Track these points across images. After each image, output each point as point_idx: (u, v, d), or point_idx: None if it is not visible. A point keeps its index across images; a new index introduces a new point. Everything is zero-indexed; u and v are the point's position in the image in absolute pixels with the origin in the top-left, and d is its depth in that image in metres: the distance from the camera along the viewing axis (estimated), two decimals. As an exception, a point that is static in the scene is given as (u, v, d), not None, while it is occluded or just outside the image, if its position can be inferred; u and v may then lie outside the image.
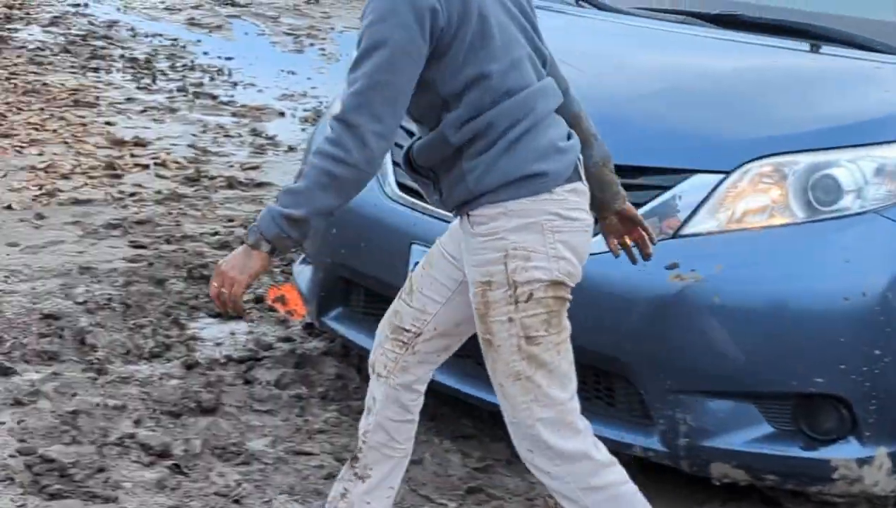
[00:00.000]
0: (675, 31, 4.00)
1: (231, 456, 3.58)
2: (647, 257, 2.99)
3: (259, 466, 3.53)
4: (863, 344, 3.13)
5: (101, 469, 3.43)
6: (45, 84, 8.40)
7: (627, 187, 3.19)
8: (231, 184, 6.35)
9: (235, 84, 9.11)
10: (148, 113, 7.89)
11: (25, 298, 4.63)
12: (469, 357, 3.46)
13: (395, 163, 3.80)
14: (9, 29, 10.42)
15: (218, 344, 4.41)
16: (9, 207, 5.72)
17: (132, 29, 11.05)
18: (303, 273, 4.23)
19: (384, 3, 2.53)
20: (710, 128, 3.42)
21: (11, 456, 3.47)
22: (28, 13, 11.26)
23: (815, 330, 3.15)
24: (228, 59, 10.08)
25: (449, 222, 3.44)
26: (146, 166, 6.62)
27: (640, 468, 3.21)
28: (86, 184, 6.18)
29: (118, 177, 6.38)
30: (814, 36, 3.81)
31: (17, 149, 6.76)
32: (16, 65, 8.97)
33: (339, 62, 10.20)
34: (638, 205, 3.28)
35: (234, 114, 8.11)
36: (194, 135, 7.45)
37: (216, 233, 5.53)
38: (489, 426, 3.81)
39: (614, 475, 2.73)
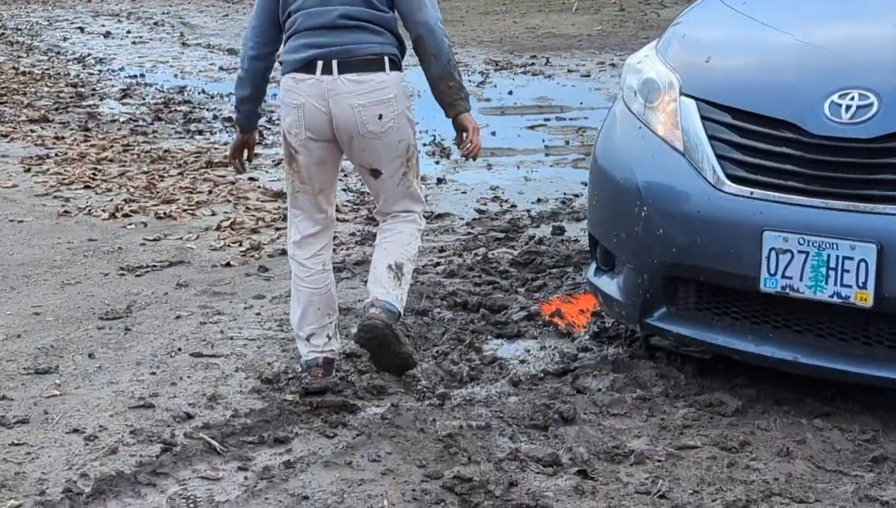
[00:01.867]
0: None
1: (621, 458, 3.63)
2: (465, 156, 4.22)
3: (657, 463, 3.58)
4: None
5: (512, 484, 3.46)
6: (165, 150, 8.44)
7: None
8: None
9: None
10: (280, 166, 7.93)
11: (311, 342, 4.64)
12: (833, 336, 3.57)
13: (719, 157, 3.87)
14: (88, 105, 10.46)
15: (522, 362, 4.45)
16: (228, 264, 5.75)
17: (203, 91, 11.12)
18: (609, 280, 4.28)
19: None
20: None
21: (424, 481, 3.50)
22: (94, 90, 11.31)
23: None
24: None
25: (794, 204, 3.55)
26: (322, 212, 6.65)
27: None
28: (280, 236, 6.21)
29: (302, 225, 6.41)
30: None
31: (188, 211, 6.78)
32: (124, 137, 9.00)
33: (420, 98, 10.28)
34: None
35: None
36: (340, 179, 7.49)
37: (440, 264, 5.59)
38: (850, 401, 3.88)
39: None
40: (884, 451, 3.56)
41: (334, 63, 4.03)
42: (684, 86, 4.10)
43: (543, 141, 8.47)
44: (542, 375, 4.29)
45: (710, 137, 3.93)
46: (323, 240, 4.35)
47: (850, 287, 3.59)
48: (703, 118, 3.98)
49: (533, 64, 11.50)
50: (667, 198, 3.98)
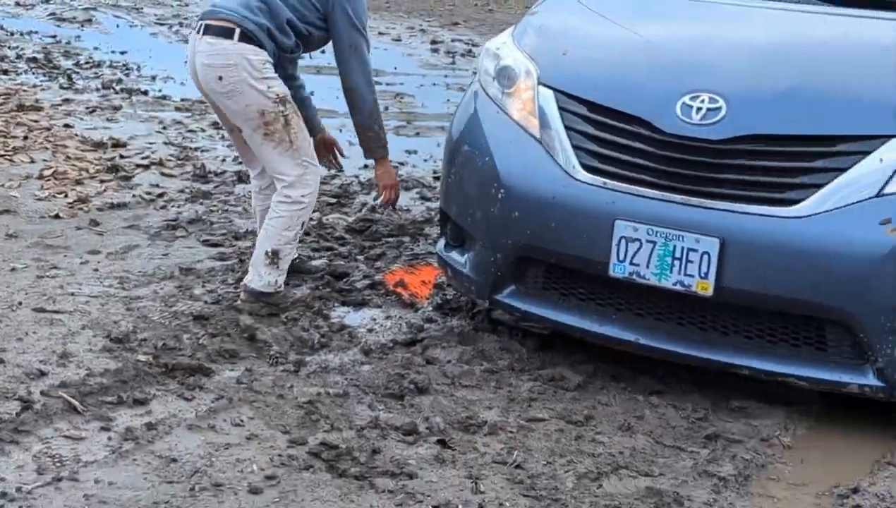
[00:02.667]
0: (795, 10, 4.39)
1: (476, 429, 3.82)
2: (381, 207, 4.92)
3: (510, 434, 3.79)
4: None
5: (375, 451, 3.62)
6: (-30, 89, 8.18)
7: (826, 155, 3.66)
8: (241, 177, 6.43)
9: (153, 78, 9.08)
10: (98, 113, 7.82)
11: (156, 302, 4.69)
12: (671, 321, 3.86)
13: (575, 147, 4.09)
14: None
15: (370, 331, 4.59)
16: (57, 216, 5.67)
17: (1, 27, 10.76)
18: (459, 256, 4.46)
19: None
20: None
21: (290, 447, 3.61)
22: None
23: None
24: (123, 53, 10.01)
25: (645, 196, 3.81)
26: (147, 166, 6.63)
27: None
28: (106, 189, 6.16)
29: (128, 178, 6.38)
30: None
31: (5, 157, 6.63)
32: (-75, 71, 8.66)
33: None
34: (841, 170, 3.72)
35: (178, 109, 8.12)
36: (159, 132, 7.47)
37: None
38: (681, 381, 4.18)
39: None
40: (715, 429, 3.87)
41: (202, 25, 4.53)
42: (542, 76, 4.29)
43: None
44: (391, 345, 4.45)
45: (567, 127, 4.15)
46: (265, 179, 4.85)
47: (693, 276, 3.87)
48: (561, 108, 4.19)
49: (342, 23, 11.53)
50: (523, 183, 4.18)
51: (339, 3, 4.61)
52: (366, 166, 6.88)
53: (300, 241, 4.94)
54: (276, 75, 4.57)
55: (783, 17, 4.35)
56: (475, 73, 4.71)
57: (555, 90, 4.23)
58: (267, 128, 4.54)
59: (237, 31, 4.49)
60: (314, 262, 5.11)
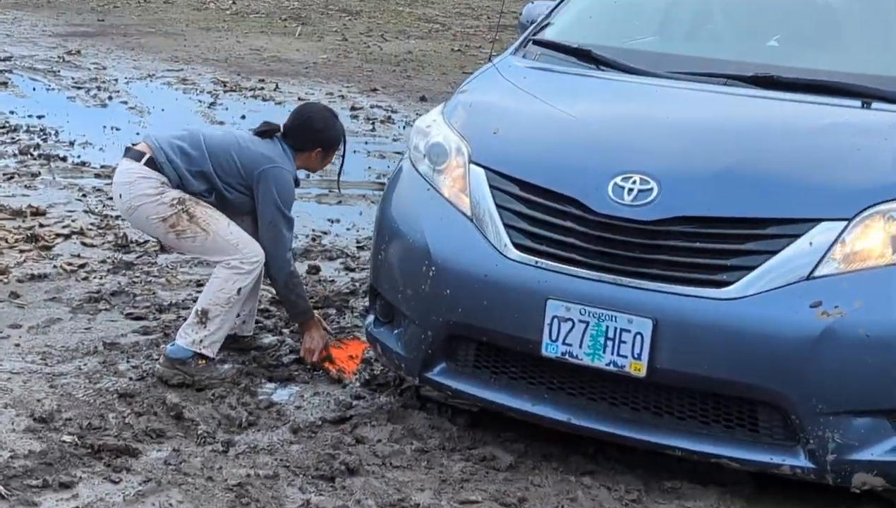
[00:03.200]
0: (724, 93, 4.46)
1: (409, 512, 3.78)
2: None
3: (443, 517, 3.76)
4: (980, 359, 3.71)
5: (309, 536, 3.56)
6: None
7: (757, 237, 3.71)
8: (164, 248, 6.35)
9: (72, 143, 8.96)
10: (15, 180, 7.70)
11: (80, 379, 4.60)
12: (604, 400, 3.87)
13: (507, 226, 4.10)
14: None
15: (299, 408, 4.54)
16: (-27, 287, 5.55)
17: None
18: (389, 333, 4.44)
19: None
20: (827, 181, 3.92)
21: (223, 533, 3.54)
22: None
23: (943, 351, 3.71)
24: (40, 117, 9.88)
25: (577, 276, 3.84)
26: (67, 235, 6.53)
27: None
28: (26, 259, 6.05)
29: (49, 248, 6.28)
30: (846, 92, 4.36)
31: (-82, 223, 6.49)
32: None
33: (150, 115, 10.18)
34: (772, 253, 3.77)
35: (98, 176, 8.02)
36: (79, 200, 7.37)
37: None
38: (613, 460, 4.18)
39: None
40: (648, 511, 3.87)
41: (125, 148, 4.90)
42: (474, 155, 4.30)
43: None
44: (320, 423, 4.40)
45: (499, 206, 4.15)
46: None
47: (626, 357, 3.88)
48: (492, 187, 4.19)
49: (262, 88, 11.52)
50: (455, 261, 4.17)
51: (264, 182, 4.71)
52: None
53: (258, 323, 4.91)
54: (169, 190, 4.68)
55: (713, 99, 4.41)
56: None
57: (486, 168, 4.24)
58: (175, 230, 4.67)
59: (147, 155, 4.71)
60: (265, 340, 5.07)
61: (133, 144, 4.88)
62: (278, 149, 4.78)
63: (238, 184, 4.72)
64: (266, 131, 4.84)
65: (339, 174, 5.21)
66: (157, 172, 4.69)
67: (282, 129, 4.88)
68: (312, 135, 4.87)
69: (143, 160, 4.70)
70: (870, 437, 3.78)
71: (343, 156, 5.10)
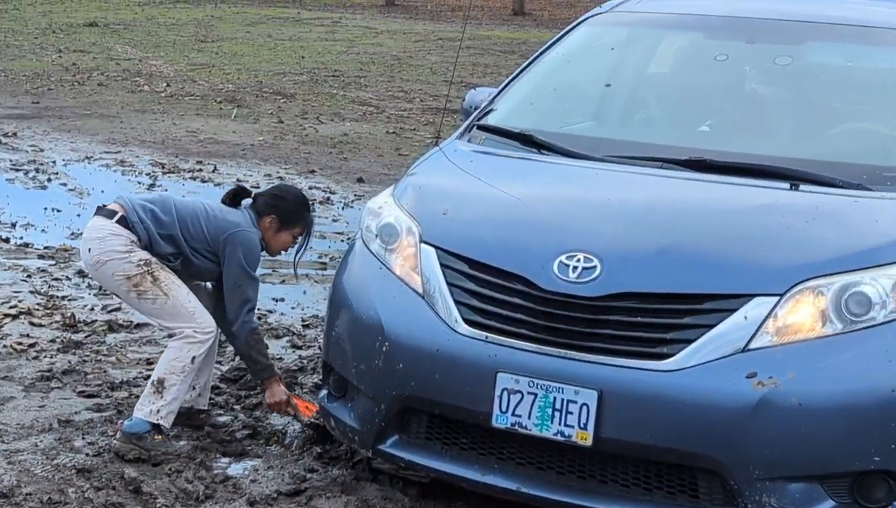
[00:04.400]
0: (660, 175, 4.70)
1: (366, 580, 3.91)
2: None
3: (401, 585, 3.89)
4: (907, 425, 3.94)
5: None
6: None
7: (695, 312, 3.94)
8: (112, 327, 6.46)
9: (13, 225, 9.03)
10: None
11: (37, 455, 4.68)
12: (552, 469, 4.04)
13: (457, 302, 4.29)
14: None
15: (254, 481, 4.65)
16: (-75, 367, 5.61)
17: None
18: (342, 407, 4.58)
19: None
20: (760, 258, 4.16)
21: None
22: None
23: (873, 418, 3.94)
24: (-23, 198, 9.92)
25: (525, 350, 4.02)
26: (15, 316, 6.60)
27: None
28: (-39, 336, 6.12)
29: (-4, 328, 6.34)
30: (774, 175, 4.62)
31: None
32: None
33: (90, 196, 10.26)
34: (710, 326, 3.99)
35: (41, 257, 8.10)
36: (24, 281, 7.43)
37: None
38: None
39: None
40: (596, 575, 4.02)
41: (97, 207, 5.05)
42: (424, 235, 4.50)
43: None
44: (275, 495, 4.52)
45: (449, 283, 4.34)
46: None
47: (573, 427, 4.06)
48: (442, 265, 4.39)
49: (200, 170, 11.65)
50: (407, 336, 4.34)
51: (231, 245, 4.91)
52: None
53: (210, 400, 5.04)
54: (138, 250, 4.85)
55: (650, 182, 4.65)
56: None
57: (436, 247, 4.43)
58: (137, 289, 4.81)
59: (119, 214, 4.88)
60: (220, 418, 5.19)
61: (104, 205, 5.01)
62: (245, 217, 4.96)
63: (205, 249, 4.88)
64: (236, 195, 5.04)
65: (297, 255, 5.33)
66: (129, 231, 4.84)
67: (252, 195, 5.06)
68: (274, 201, 5.05)
69: (116, 218, 4.85)
70: (804, 501, 3.99)
71: (304, 244, 5.23)
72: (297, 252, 5.28)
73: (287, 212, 5.10)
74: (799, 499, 3.98)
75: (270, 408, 5.05)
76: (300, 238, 5.21)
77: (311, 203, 5.33)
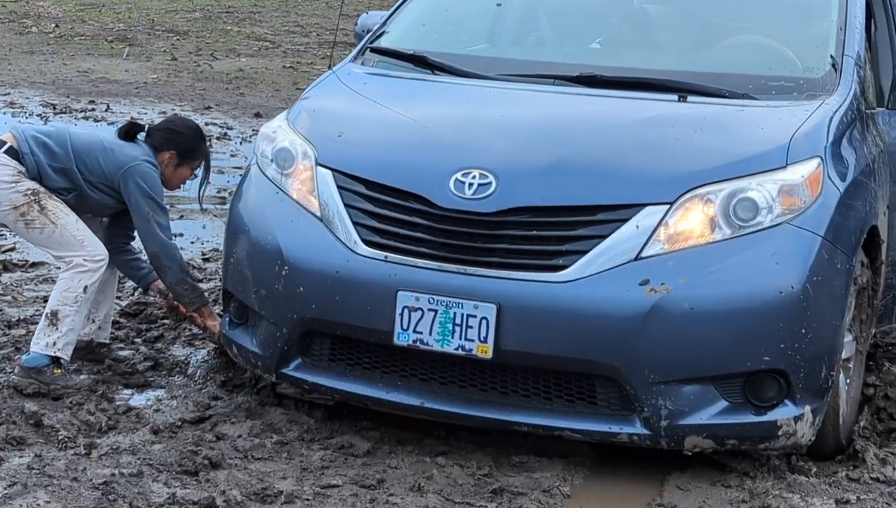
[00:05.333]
0: (552, 92, 4.75)
1: (272, 498, 3.95)
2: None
3: (306, 501, 3.94)
4: (794, 325, 4.07)
5: (178, 528, 3.70)
6: None
7: (589, 223, 4.02)
8: (6, 266, 6.38)
9: None
10: None
11: (-66, 393, 4.62)
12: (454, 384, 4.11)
13: (356, 224, 4.31)
14: None
15: (157, 411, 4.65)
16: None
17: None
18: (244, 333, 4.60)
19: None
20: (650, 168, 4.23)
21: (91, 530, 3.65)
22: None
23: (762, 319, 4.06)
24: None
25: (425, 267, 4.07)
26: None
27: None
28: None
29: None
30: (663, 88, 4.69)
31: None
32: None
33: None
34: (603, 237, 4.07)
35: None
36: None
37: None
38: (464, 441, 4.41)
39: None
40: (500, 484, 4.11)
41: None
42: (320, 158, 4.50)
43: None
44: (180, 423, 4.52)
45: (347, 205, 4.36)
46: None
47: (473, 341, 4.12)
48: (340, 187, 4.40)
49: (93, 109, 11.48)
50: (307, 259, 4.35)
51: (131, 178, 4.84)
52: (134, 250, 6.90)
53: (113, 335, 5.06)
54: (25, 181, 4.78)
55: (543, 98, 4.70)
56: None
57: (333, 170, 4.44)
58: (25, 219, 4.76)
59: (8, 144, 4.80)
60: (121, 352, 5.16)
61: None
62: (144, 150, 4.90)
63: (102, 183, 4.82)
64: (130, 130, 4.96)
65: (201, 189, 5.27)
66: (17, 162, 4.77)
67: (146, 130, 4.99)
68: (171, 135, 5.00)
69: (4, 148, 4.78)
70: (698, 403, 4.10)
71: (206, 177, 5.19)
72: (201, 185, 5.23)
73: (185, 147, 5.06)
74: (693, 401, 4.09)
75: (215, 338, 4.98)
76: (199, 171, 5.17)
77: (206, 136, 5.28)
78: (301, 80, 13.44)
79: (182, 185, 5.22)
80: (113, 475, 4.01)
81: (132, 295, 6.03)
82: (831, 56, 4.74)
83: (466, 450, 4.38)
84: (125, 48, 15.58)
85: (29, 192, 4.74)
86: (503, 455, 4.32)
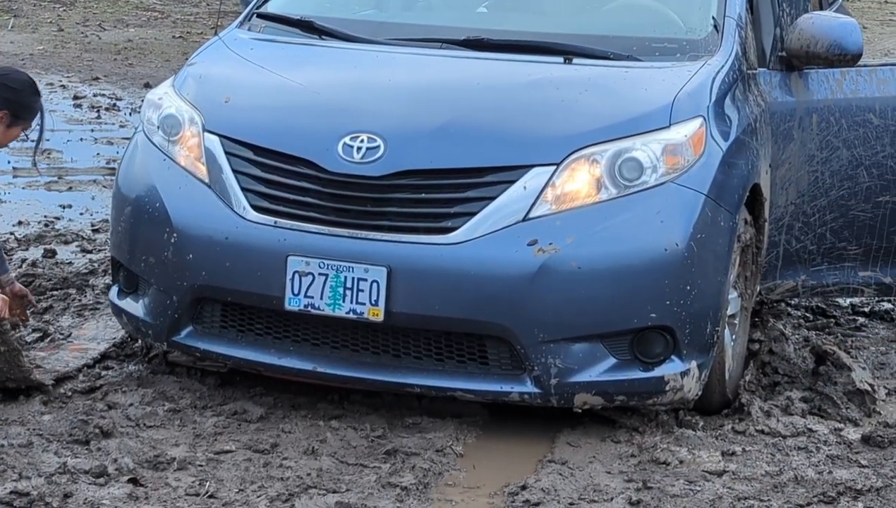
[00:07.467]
0: (439, 56, 4.76)
1: (165, 465, 3.94)
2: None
3: (199, 467, 3.93)
4: (679, 282, 4.16)
5: (67, 496, 3.68)
6: None
7: (477, 185, 4.06)
8: None
9: None
10: None
11: None
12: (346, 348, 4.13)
13: (244, 190, 4.30)
14: None
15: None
16: None
17: None
18: (134, 302, 4.56)
19: None
20: (536, 130, 4.28)
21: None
22: None
23: (648, 277, 4.14)
24: None
25: (314, 232, 4.09)
26: None
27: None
28: None
29: None
30: (549, 51, 4.73)
31: None
32: None
33: None
34: (491, 198, 4.11)
35: None
36: None
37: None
38: (358, 405, 4.44)
39: None
40: (394, 445, 4.14)
41: None
42: (207, 123, 4.47)
43: (10, 162, 8.39)
44: (70, 394, 4.47)
45: (235, 171, 4.34)
46: None
47: (364, 304, 4.14)
48: (227, 153, 4.38)
49: (-23, 81, 11.21)
50: (196, 226, 4.33)
51: None
52: (20, 223, 6.81)
53: None
54: None
55: (430, 62, 4.72)
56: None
57: (220, 136, 4.41)
58: None
59: None
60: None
61: None
62: None
63: None
64: None
65: (37, 144, 4.92)
66: None
67: None
68: (6, 93, 4.54)
69: None
70: (587, 360, 4.17)
71: (41, 133, 4.84)
72: (38, 141, 4.86)
73: (21, 106, 4.62)
74: (583, 359, 4.16)
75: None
76: (36, 124, 4.74)
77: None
78: (191, 49, 13.23)
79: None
80: (2, 445, 3.97)
81: (19, 267, 5.94)
82: (713, 17, 4.81)
83: (360, 413, 4.40)
84: (9, 19, 15.23)
85: None
86: (397, 417, 4.35)
